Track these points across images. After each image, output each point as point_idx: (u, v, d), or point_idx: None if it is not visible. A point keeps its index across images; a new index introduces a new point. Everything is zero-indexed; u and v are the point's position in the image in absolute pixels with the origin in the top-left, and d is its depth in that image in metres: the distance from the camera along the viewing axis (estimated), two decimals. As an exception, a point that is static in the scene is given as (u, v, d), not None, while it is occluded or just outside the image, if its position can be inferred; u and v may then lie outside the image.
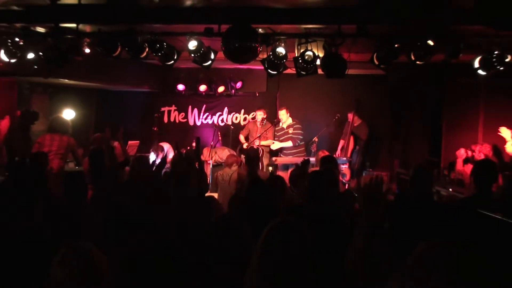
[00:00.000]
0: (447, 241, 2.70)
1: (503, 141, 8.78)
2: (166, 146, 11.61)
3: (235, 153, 11.12)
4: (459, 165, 10.37)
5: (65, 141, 8.61)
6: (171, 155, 11.36)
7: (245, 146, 11.66)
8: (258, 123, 12.08)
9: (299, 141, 11.67)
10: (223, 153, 11.58)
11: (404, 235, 4.14)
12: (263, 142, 11.79)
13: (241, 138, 12.39)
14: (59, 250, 2.49)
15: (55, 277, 2.41)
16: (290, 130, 11.72)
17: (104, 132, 8.75)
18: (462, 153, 10.42)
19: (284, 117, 11.87)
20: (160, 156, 11.18)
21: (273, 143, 11.92)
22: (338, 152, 12.19)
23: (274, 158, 11.51)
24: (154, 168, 6.49)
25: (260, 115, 12.04)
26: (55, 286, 2.40)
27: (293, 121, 11.86)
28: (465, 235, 3.85)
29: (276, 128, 12.04)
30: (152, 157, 10.91)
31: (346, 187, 10.47)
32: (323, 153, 9.85)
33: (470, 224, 4.00)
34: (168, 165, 10.99)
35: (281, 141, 11.82)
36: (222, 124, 13.78)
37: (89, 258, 2.45)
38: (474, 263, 2.66)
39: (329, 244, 4.05)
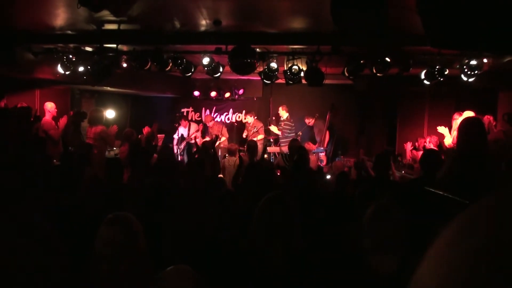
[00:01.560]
0: (390, 202, 2.75)
1: (442, 136, 8.84)
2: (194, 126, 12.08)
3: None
4: (407, 153, 10.45)
5: (97, 132, 8.48)
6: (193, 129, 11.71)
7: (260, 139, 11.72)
8: (250, 123, 12.15)
9: (287, 133, 11.63)
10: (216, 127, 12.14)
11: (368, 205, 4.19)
12: (259, 137, 11.82)
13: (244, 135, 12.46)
14: (107, 216, 2.51)
15: (102, 236, 2.43)
16: (282, 124, 11.74)
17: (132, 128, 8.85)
18: (408, 145, 10.54)
19: (282, 112, 11.91)
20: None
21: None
22: (325, 143, 12.19)
23: (268, 148, 11.52)
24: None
25: (249, 118, 12.09)
26: (101, 244, 2.42)
27: (287, 118, 11.89)
28: (413, 205, 3.88)
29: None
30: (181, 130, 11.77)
31: (324, 169, 10.51)
32: (308, 145, 9.89)
33: (417, 197, 4.03)
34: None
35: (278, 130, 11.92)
36: (228, 122, 13.89)
37: (129, 224, 2.47)
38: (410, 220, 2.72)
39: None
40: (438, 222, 3.04)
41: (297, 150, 7.28)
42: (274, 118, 12.68)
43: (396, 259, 2.52)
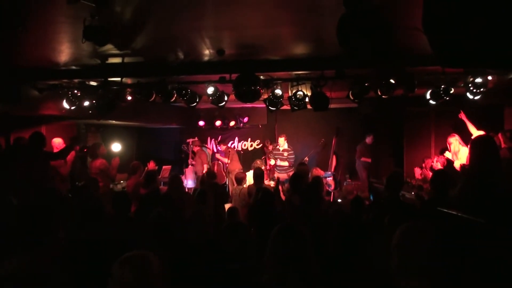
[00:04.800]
0: (422, 223, 2.65)
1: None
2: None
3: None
4: (416, 175, 10.45)
5: (97, 166, 8.53)
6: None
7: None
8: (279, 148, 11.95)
9: (292, 163, 11.52)
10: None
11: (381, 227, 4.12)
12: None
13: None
14: (122, 254, 2.42)
15: (114, 275, 2.35)
16: (285, 154, 11.59)
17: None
18: (417, 170, 10.55)
19: (282, 142, 11.77)
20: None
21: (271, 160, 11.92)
22: (332, 168, 12.08)
23: (275, 175, 11.41)
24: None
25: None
26: (113, 283, 2.34)
27: (288, 147, 11.73)
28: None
29: (274, 151, 11.93)
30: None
31: (332, 195, 10.43)
32: (316, 170, 9.80)
33: (431, 218, 3.95)
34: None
35: (280, 160, 11.69)
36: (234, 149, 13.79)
37: (143, 264, 2.37)
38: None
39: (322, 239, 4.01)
40: (453, 242, 2.96)
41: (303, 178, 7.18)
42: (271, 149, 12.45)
43: (426, 282, 2.42)
